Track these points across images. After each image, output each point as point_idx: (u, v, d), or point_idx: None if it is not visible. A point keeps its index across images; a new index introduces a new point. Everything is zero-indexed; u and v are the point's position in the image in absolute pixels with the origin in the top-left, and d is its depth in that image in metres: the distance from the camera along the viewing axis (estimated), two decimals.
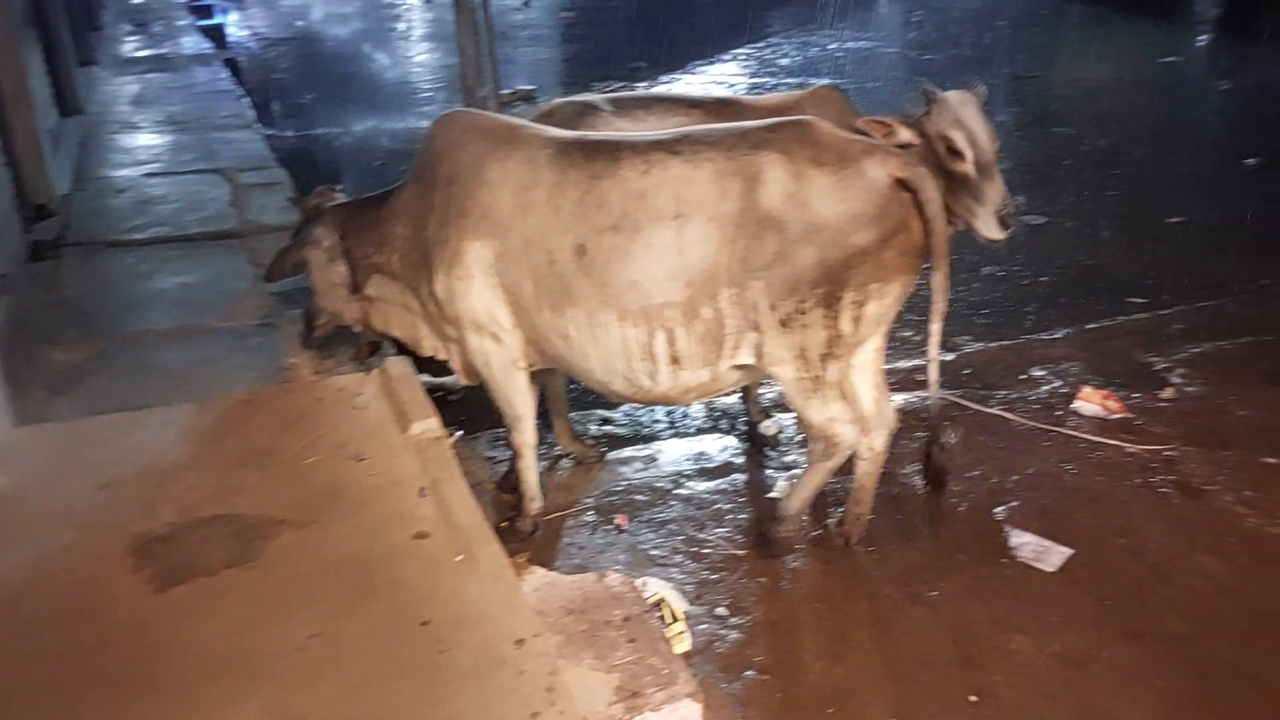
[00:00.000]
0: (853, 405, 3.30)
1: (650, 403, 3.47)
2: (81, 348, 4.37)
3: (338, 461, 3.45)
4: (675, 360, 3.16)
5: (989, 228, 3.30)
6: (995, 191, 3.26)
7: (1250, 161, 7.70)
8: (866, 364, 3.31)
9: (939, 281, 3.10)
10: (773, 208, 2.96)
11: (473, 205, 3.26)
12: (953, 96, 3.32)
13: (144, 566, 2.93)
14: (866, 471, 3.46)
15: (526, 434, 3.60)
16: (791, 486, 3.55)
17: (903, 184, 2.98)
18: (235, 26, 15.62)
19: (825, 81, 3.62)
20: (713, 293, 3.05)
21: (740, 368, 3.21)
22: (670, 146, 3.10)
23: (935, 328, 3.18)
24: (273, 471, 3.39)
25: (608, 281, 3.09)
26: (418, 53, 14.33)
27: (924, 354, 3.30)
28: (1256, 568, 3.35)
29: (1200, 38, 13.80)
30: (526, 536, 3.69)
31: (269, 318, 4.62)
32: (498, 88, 6.98)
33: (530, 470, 3.68)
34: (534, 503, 3.71)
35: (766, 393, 4.38)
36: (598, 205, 3.09)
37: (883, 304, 3.07)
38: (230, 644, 2.65)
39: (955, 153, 3.28)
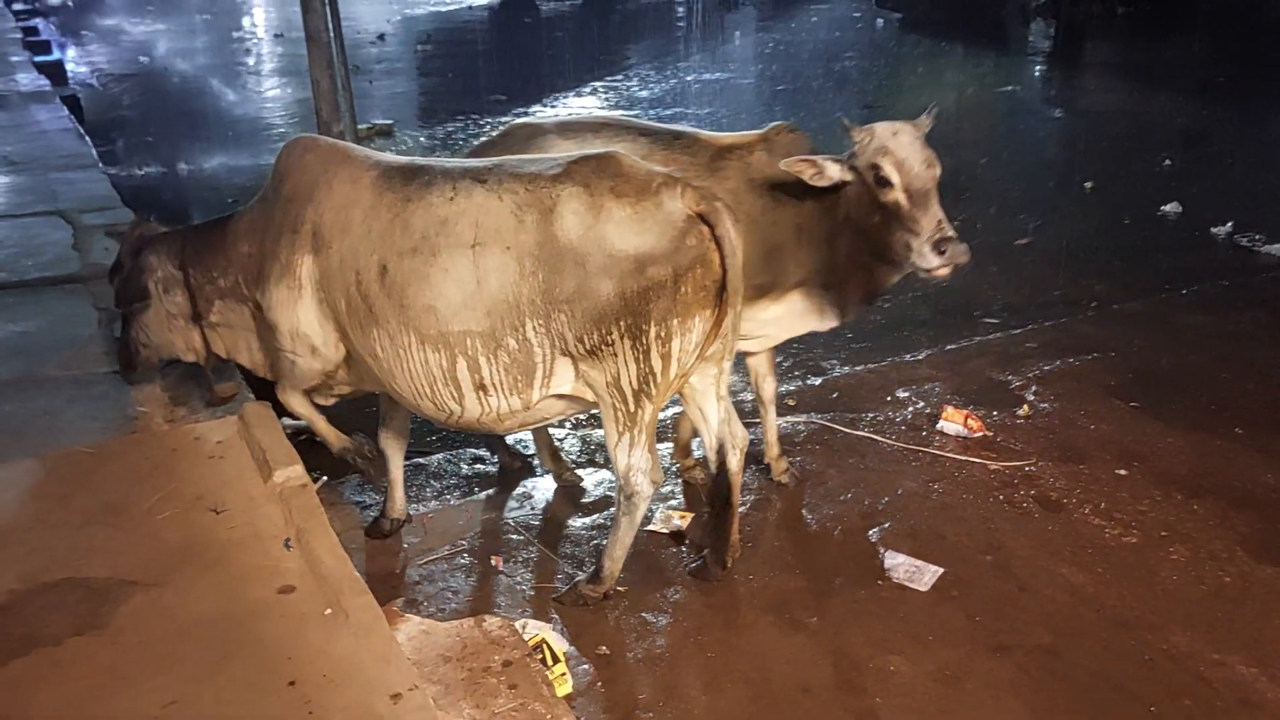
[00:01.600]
0: (701, 427, 3.39)
1: (465, 429, 3.42)
2: None
3: (194, 515, 3.28)
4: (482, 388, 3.14)
5: (924, 257, 3.18)
6: (930, 219, 3.17)
7: (1088, 185, 8.15)
8: (709, 387, 3.33)
9: (727, 323, 3.07)
10: (571, 240, 2.96)
11: (302, 222, 3.30)
12: (881, 127, 3.30)
13: None
14: (732, 493, 3.47)
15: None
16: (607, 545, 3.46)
17: (702, 218, 2.97)
18: (75, 62, 14.94)
19: (782, 121, 3.52)
20: (516, 323, 3.03)
21: (561, 397, 3.19)
22: (479, 175, 3.13)
23: (725, 365, 3.23)
24: (123, 529, 3.19)
25: (406, 304, 3.10)
26: (269, 88, 13.97)
27: (794, 377, 3.38)
28: (1115, 577, 3.49)
29: (1035, 68, 14.61)
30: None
31: (115, 364, 4.37)
32: (354, 122, 6.82)
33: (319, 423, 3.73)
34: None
35: None
36: (403, 228, 3.11)
37: (688, 339, 3.04)
38: (77, 715, 2.47)
39: (884, 181, 3.21)
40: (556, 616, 3.37)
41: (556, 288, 2.97)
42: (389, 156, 3.39)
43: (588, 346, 3.01)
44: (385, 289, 3.11)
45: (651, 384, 3.06)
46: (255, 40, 18.69)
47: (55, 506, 3.33)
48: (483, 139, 3.84)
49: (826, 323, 3.64)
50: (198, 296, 3.65)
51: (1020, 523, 3.79)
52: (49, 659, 2.64)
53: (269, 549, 3.11)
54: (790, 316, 3.65)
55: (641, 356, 3.01)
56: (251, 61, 16.24)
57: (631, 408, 3.10)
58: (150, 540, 3.13)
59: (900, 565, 3.54)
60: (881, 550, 3.64)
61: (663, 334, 2.99)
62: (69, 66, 13.73)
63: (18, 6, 19.55)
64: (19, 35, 14.37)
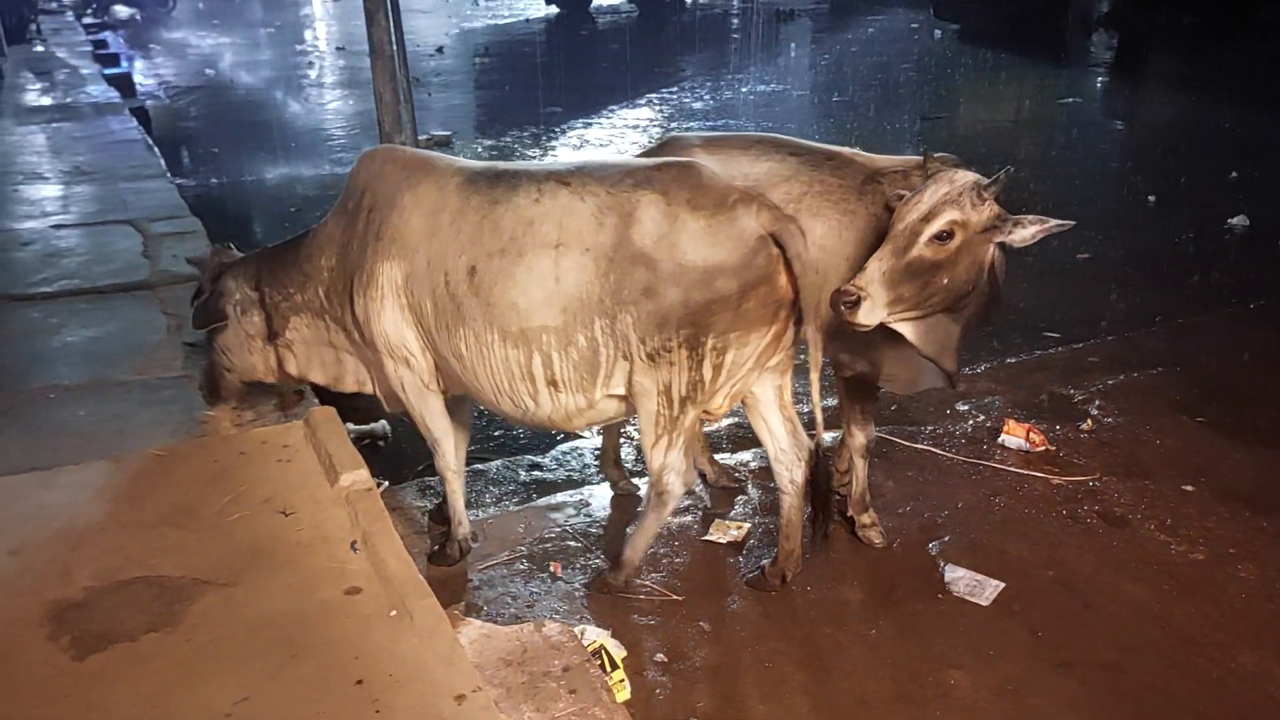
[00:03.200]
0: (766, 438, 3.45)
1: (539, 426, 3.50)
2: None
3: (263, 517, 3.34)
4: (553, 383, 3.23)
5: None
6: None
7: (1151, 198, 8.03)
8: (771, 400, 3.39)
9: (811, 335, 3.11)
10: (644, 245, 3.03)
11: (386, 229, 3.35)
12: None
13: (60, 634, 2.78)
14: (792, 505, 3.48)
15: (448, 458, 3.63)
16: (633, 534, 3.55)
17: (774, 237, 3.01)
18: (143, 75, 15.33)
19: (944, 154, 3.35)
20: (587, 321, 3.11)
21: (618, 397, 3.25)
22: (562, 177, 3.19)
23: (813, 377, 3.23)
24: (195, 530, 3.27)
25: (493, 302, 3.17)
26: (331, 100, 14.22)
27: (833, 398, 3.33)
28: (1181, 594, 3.43)
29: (1097, 79, 14.41)
30: (455, 562, 3.71)
31: (184, 370, 4.48)
32: (415, 134, 6.95)
33: (456, 495, 3.70)
34: (461, 527, 3.72)
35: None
36: (492, 229, 3.18)
37: (742, 353, 3.12)
38: (152, 711, 2.53)
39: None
40: (614, 623, 3.39)
41: (626, 290, 3.04)
42: (470, 162, 3.45)
43: (648, 350, 3.08)
44: (473, 288, 3.18)
45: (699, 391, 3.14)
46: (318, 53, 19.03)
47: (128, 507, 3.42)
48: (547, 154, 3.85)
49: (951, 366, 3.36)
50: (273, 315, 3.70)
51: (1084, 538, 3.74)
52: (125, 655, 2.71)
53: (336, 551, 3.16)
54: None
55: (695, 365, 3.08)
56: (314, 74, 16.55)
57: (675, 413, 3.18)
58: (221, 541, 3.20)
59: (961, 579, 3.52)
60: (941, 564, 3.61)
61: (719, 345, 3.07)
62: (137, 79, 14.10)
63: (88, 20, 20.14)
64: (89, 48, 14.78)
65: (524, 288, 3.12)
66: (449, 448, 3.61)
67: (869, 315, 2.97)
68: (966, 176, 2.99)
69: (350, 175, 3.55)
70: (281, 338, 3.73)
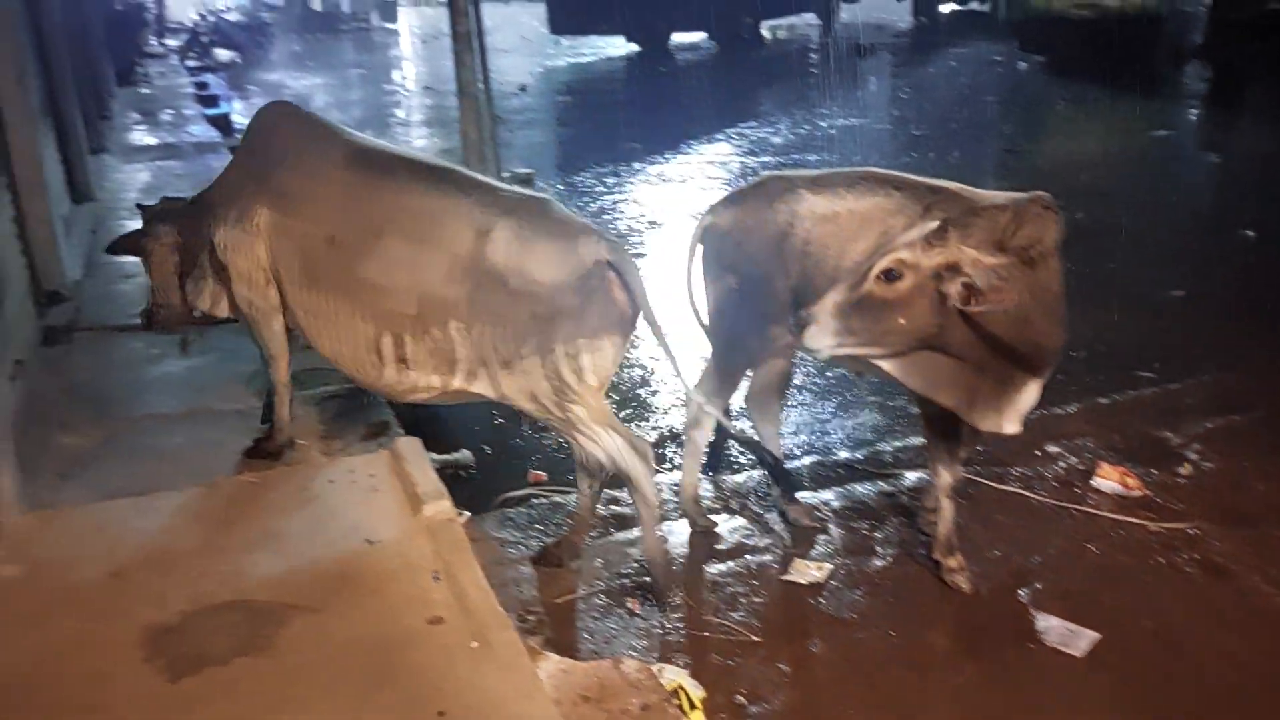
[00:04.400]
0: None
1: (373, 390, 3.81)
2: (91, 432, 4.35)
3: (349, 544, 3.41)
4: (402, 361, 3.54)
5: None
6: None
7: (1249, 233, 7.78)
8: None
9: (662, 345, 3.51)
10: (496, 263, 3.36)
11: (270, 176, 3.77)
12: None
13: (155, 657, 2.87)
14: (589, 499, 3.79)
15: (281, 373, 4.09)
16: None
17: (610, 265, 3.35)
18: (241, 115, 15.85)
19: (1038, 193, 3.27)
20: (443, 320, 3.43)
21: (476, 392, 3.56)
22: (439, 178, 3.56)
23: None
24: (284, 556, 3.34)
25: (354, 275, 3.51)
26: (417, 137, 14.53)
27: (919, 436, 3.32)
28: None
29: (1190, 112, 14.07)
30: (268, 455, 4.14)
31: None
32: (499, 171, 7.07)
33: (283, 405, 4.18)
34: (280, 434, 4.19)
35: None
36: (369, 206, 3.54)
37: (599, 357, 3.41)
38: None
39: None
40: (692, 662, 3.36)
41: (480, 300, 3.38)
42: (361, 137, 3.85)
43: (501, 358, 3.42)
44: (340, 257, 3.56)
45: (568, 392, 3.42)
46: (406, 92, 19.51)
47: (221, 532, 3.51)
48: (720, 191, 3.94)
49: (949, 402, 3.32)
50: (184, 254, 4.12)
51: (1183, 588, 3.61)
52: (217, 678, 2.78)
53: (419, 580, 3.20)
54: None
55: (553, 372, 3.38)
56: (402, 113, 16.94)
57: (560, 414, 3.47)
58: (309, 567, 3.27)
59: (1053, 628, 3.41)
60: (1033, 611, 3.51)
61: (571, 351, 3.37)
62: (235, 119, 14.59)
63: (191, 63, 20.98)
64: (192, 90, 15.39)
65: (387, 271, 3.46)
66: (284, 365, 4.07)
67: (814, 340, 3.04)
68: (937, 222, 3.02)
69: (249, 124, 4.05)
70: (188, 274, 4.12)
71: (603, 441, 3.51)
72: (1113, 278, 6.86)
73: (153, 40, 24.52)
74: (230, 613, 3.06)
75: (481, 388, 3.51)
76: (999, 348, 3.12)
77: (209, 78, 18.09)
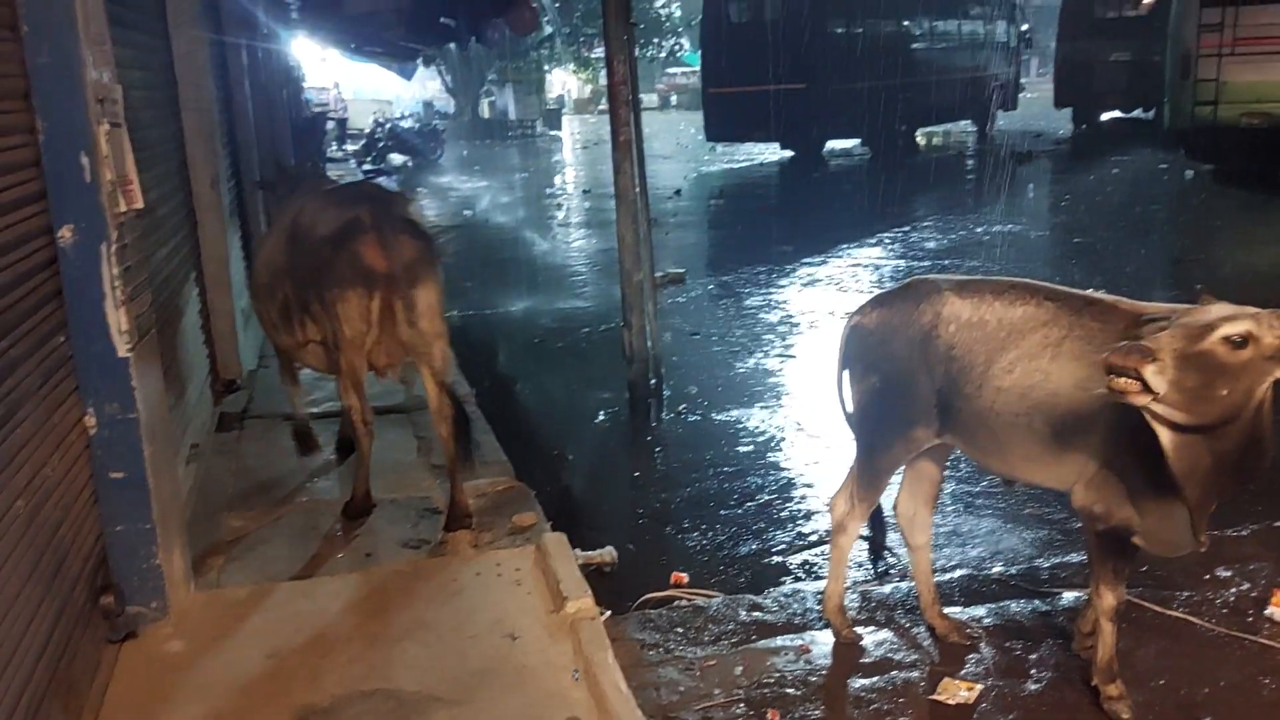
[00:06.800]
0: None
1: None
2: (258, 515, 4.60)
3: (493, 638, 3.48)
4: (273, 324, 4.95)
5: None
6: None
7: None
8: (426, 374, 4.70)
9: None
10: (298, 232, 4.64)
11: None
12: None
13: None
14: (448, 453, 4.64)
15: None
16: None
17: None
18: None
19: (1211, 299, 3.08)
20: (280, 283, 4.74)
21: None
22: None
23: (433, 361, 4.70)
24: (431, 646, 3.44)
25: None
26: (576, 239, 15.05)
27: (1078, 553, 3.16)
28: None
29: None
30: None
31: (431, 490, 4.77)
32: (652, 272, 7.24)
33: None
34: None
35: None
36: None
37: (348, 308, 4.36)
38: None
39: None
40: None
41: (289, 262, 4.64)
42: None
43: (309, 308, 4.55)
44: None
45: (340, 339, 4.40)
46: (566, 195, 20.28)
47: (373, 620, 3.64)
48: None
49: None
50: None
51: None
52: None
53: (559, 678, 3.24)
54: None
55: (330, 317, 4.39)
56: (561, 215, 17.61)
57: (335, 356, 4.50)
58: (455, 659, 3.35)
59: None
60: None
61: (331, 298, 4.36)
62: None
63: (367, 167, 22.41)
64: (401, 190, 16.39)
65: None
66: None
67: (1156, 379, 2.75)
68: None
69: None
70: None
71: (349, 398, 4.61)
72: None
73: (334, 145, 26.35)
74: (378, 700, 3.16)
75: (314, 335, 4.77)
76: (1259, 453, 3.00)
77: (383, 180, 19.26)
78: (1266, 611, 3.99)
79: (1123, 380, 2.76)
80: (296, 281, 4.60)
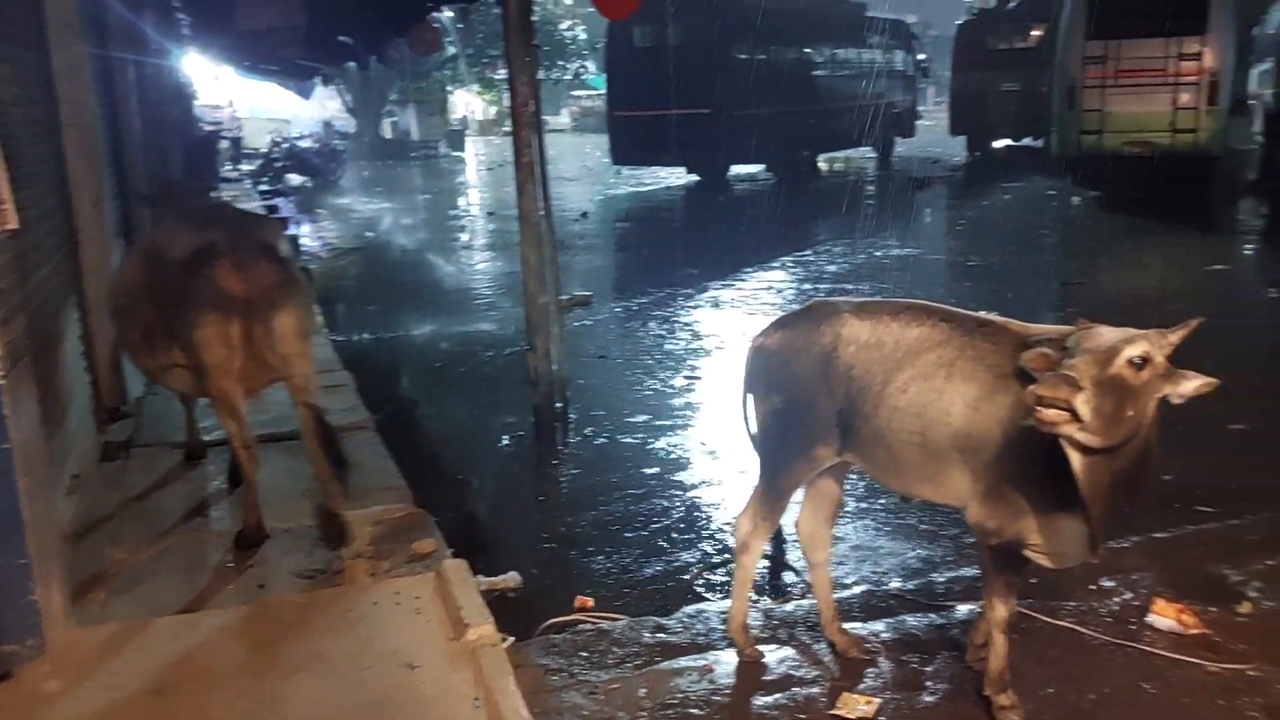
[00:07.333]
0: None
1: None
2: (143, 548, 4.43)
3: (391, 668, 3.40)
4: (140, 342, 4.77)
5: None
6: None
7: None
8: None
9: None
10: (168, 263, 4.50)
11: None
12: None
13: None
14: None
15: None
16: None
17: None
18: (308, 237, 16.48)
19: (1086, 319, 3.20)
20: (156, 313, 4.53)
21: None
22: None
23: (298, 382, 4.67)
24: (326, 678, 3.35)
25: None
26: (480, 261, 14.96)
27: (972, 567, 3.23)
28: None
29: (1246, 247, 14.00)
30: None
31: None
32: (558, 294, 7.22)
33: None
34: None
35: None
36: None
37: (202, 334, 4.29)
38: None
39: None
40: None
41: (147, 284, 4.51)
42: None
43: (171, 332, 4.44)
44: None
45: (203, 365, 4.35)
46: (470, 217, 20.15)
47: (264, 653, 3.53)
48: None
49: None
50: None
51: None
52: None
53: (459, 706, 3.19)
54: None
55: (188, 345, 4.33)
56: (465, 237, 17.49)
57: (201, 381, 4.44)
58: (351, 691, 3.27)
59: None
60: None
61: (188, 323, 4.30)
62: (302, 241, 15.18)
63: (264, 187, 21.95)
64: (262, 213, 16.04)
65: None
66: None
67: (1084, 408, 2.82)
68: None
69: None
70: None
71: (226, 425, 4.58)
72: (1174, 412, 6.73)
73: (229, 165, 25.74)
74: None
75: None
76: (1150, 468, 3.12)
77: (280, 201, 18.89)
78: (1148, 619, 4.14)
79: (1052, 412, 2.84)
80: (156, 305, 4.46)
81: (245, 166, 27.10)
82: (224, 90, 28.98)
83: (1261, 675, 3.75)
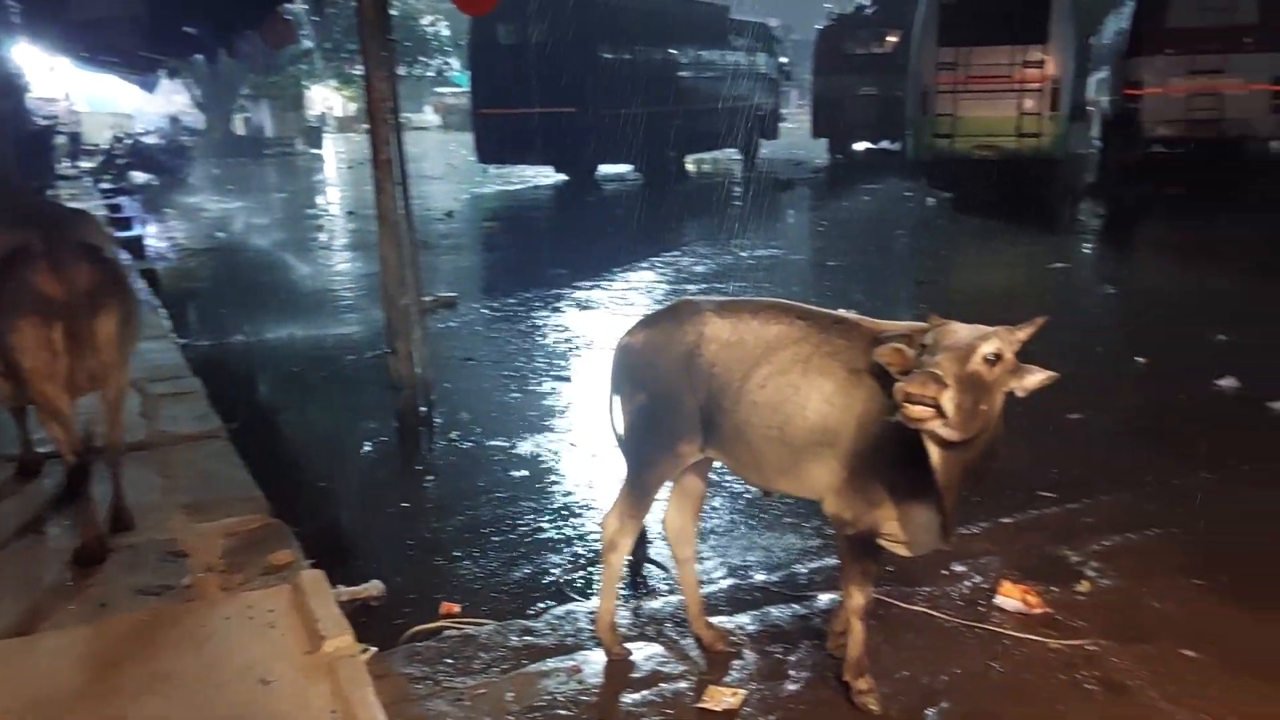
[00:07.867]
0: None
1: None
2: None
3: (243, 685, 3.29)
4: None
5: None
6: None
7: (1141, 360, 8.13)
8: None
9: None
10: None
11: None
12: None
13: None
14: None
15: None
16: None
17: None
18: (155, 238, 15.77)
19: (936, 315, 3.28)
20: None
21: None
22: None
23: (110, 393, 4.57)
24: (174, 699, 3.21)
25: None
26: (339, 262, 14.59)
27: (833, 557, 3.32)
28: None
29: (1085, 246, 14.80)
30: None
31: (175, 532, 4.47)
32: (419, 295, 7.10)
33: None
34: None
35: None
36: None
37: (17, 336, 4.09)
38: None
39: None
40: None
41: None
42: None
43: None
44: None
45: (21, 371, 4.15)
46: (328, 217, 19.63)
47: (107, 675, 3.36)
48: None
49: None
50: None
51: (1083, 706, 3.64)
52: None
53: None
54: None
55: (5, 354, 4.13)
56: (324, 237, 17.02)
57: (19, 389, 4.29)
58: (200, 710, 3.14)
59: None
60: None
61: (6, 328, 4.08)
62: (148, 242, 14.53)
63: (105, 185, 20.87)
64: (104, 213, 15.28)
65: None
66: None
67: (949, 405, 2.92)
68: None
69: None
70: None
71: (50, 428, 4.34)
72: (1016, 402, 7.03)
73: (66, 161, 24.39)
74: None
75: None
76: (993, 458, 3.24)
77: (123, 200, 18.02)
78: (995, 601, 4.33)
79: (919, 409, 2.93)
80: None
81: (85, 163, 25.67)
82: (60, 83, 27.48)
83: (1098, 649, 3.97)
